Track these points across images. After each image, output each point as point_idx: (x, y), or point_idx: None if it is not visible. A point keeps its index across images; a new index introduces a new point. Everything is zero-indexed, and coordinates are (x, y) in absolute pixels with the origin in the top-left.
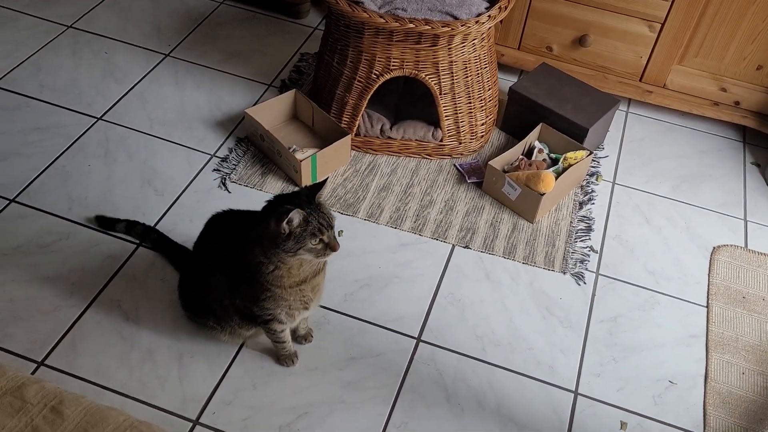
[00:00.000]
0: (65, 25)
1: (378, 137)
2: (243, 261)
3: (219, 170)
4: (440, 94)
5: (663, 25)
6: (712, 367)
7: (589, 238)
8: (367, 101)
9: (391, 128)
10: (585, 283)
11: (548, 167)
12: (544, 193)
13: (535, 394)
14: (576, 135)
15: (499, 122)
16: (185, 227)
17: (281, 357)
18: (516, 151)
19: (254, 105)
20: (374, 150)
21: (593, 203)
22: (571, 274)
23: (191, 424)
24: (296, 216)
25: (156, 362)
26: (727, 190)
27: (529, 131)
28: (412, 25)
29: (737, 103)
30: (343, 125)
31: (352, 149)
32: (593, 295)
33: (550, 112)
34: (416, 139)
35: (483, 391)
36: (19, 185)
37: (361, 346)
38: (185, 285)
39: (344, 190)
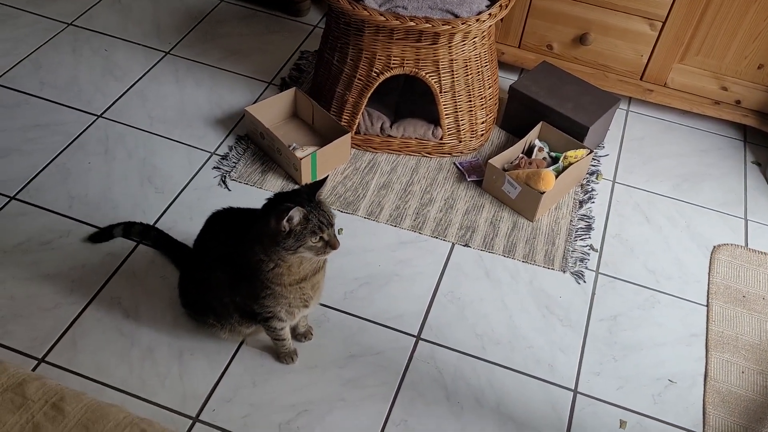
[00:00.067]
0: (65, 23)
1: (378, 135)
2: (243, 259)
3: (219, 168)
4: (440, 93)
5: (664, 23)
6: (711, 366)
7: (589, 237)
8: (367, 99)
9: (391, 126)
10: (585, 281)
11: (548, 166)
12: (544, 192)
13: (535, 393)
14: (576, 133)
15: (500, 121)
16: (185, 225)
17: (281, 355)
18: (516, 150)
19: (254, 103)
20: (374, 148)
21: (593, 202)
22: (571, 272)
23: (191, 422)
24: (296, 214)
25: (156, 359)
26: (728, 189)
27: (530, 130)
28: (412, 23)
29: (738, 102)
30: (343, 123)
31: (352, 147)
32: (593, 293)
33: (550, 110)
34: (416, 138)
35: (482, 389)
36: (19, 182)
37: (360, 344)
38: (185, 282)
39: (344, 188)
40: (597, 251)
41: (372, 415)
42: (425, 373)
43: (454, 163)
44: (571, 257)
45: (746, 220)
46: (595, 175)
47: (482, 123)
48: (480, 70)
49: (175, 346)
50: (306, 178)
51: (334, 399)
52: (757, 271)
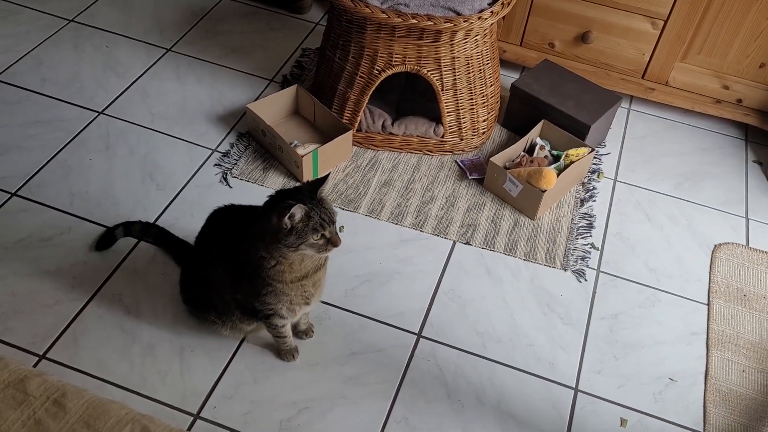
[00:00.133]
0: (67, 19)
1: (379, 133)
2: (244, 256)
3: (220, 165)
4: (442, 90)
5: (666, 22)
6: (712, 365)
7: (591, 235)
8: (368, 97)
9: (392, 124)
10: (586, 280)
11: (550, 164)
12: (545, 190)
13: (536, 391)
14: (578, 132)
15: (501, 119)
16: (186, 222)
17: (282, 352)
18: (518, 148)
19: (256, 100)
20: (376, 146)
21: (594, 200)
22: (572, 271)
23: (192, 419)
24: (298, 211)
25: (157, 356)
26: (729, 187)
27: (531, 128)
28: (414, 21)
29: (739, 100)
30: (344, 121)
31: (353, 145)
32: (594, 292)
33: (552, 108)
34: (418, 135)
35: (483, 387)
36: (20, 179)
37: (361, 342)
38: (186, 280)
39: (345, 185)
40: (598, 249)
41: (373, 413)
42: (426, 370)
43: (456, 161)
44: (572, 255)
45: (747, 219)
46: (597, 173)
47: (484, 121)
48: (482, 67)
49: (176, 343)
50: (307, 176)
51: (335, 396)
52: (758, 270)
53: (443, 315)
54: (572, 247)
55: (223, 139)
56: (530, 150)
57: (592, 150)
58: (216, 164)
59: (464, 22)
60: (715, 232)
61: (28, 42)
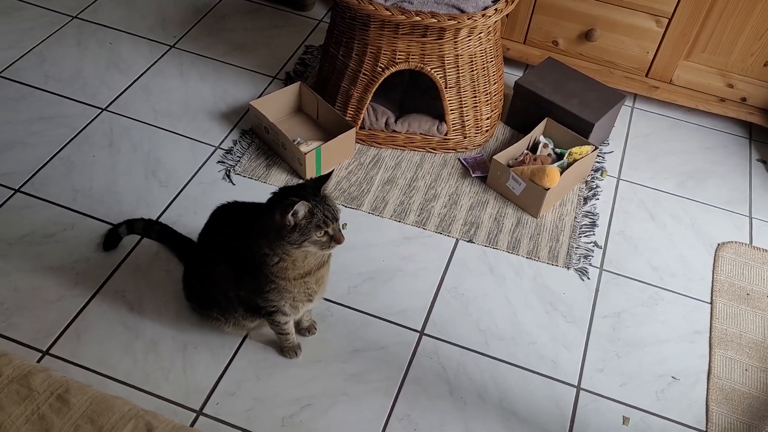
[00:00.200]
0: (70, 16)
1: (383, 130)
2: (248, 253)
3: (223, 162)
4: (445, 88)
5: (670, 20)
6: (715, 364)
7: (593, 234)
8: (372, 94)
9: (395, 122)
10: (589, 278)
11: (553, 162)
12: (548, 188)
13: (538, 389)
14: (581, 130)
15: (504, 116)
16: (189, 219)
17: (285, 349)
18: (521, 146)
19: (259, 97)
20: (379, 143)
21: (598, 198)
22: (575, 269)
23: (195, 415)
24: (301, 208)
25: (160, 353)
26: (733, 186)
27: (535, 126)
28: (418, 18)
29: (744, 99)
30: (347, 118)
31: (356, 142)
32: (597, 290)
33: (555, 106)
34: (421, 133)
35: (485, 384)
36: (24, 175)
37: (364, 339)
38: (189, 276)
39: (348, 183)
40: (601, 248)
41: (375, 410)
42: (428, 368)
43: (459, 159)
44: (575, 254)
45: (751, 218)
46: (600, 171)
47: (487, 119)
48: (485, 65)
49: (179, 339)
50: (310, 173)
51: (338, 393)
52: (761, 268)
53: (446, 313)
54: (575, 245)
55: (226, 136)
56: (533, 148)
57: (596, 148)
58: (219, 161)
59: (468, 19)
60: (718, 230)
61: (32, 38)
